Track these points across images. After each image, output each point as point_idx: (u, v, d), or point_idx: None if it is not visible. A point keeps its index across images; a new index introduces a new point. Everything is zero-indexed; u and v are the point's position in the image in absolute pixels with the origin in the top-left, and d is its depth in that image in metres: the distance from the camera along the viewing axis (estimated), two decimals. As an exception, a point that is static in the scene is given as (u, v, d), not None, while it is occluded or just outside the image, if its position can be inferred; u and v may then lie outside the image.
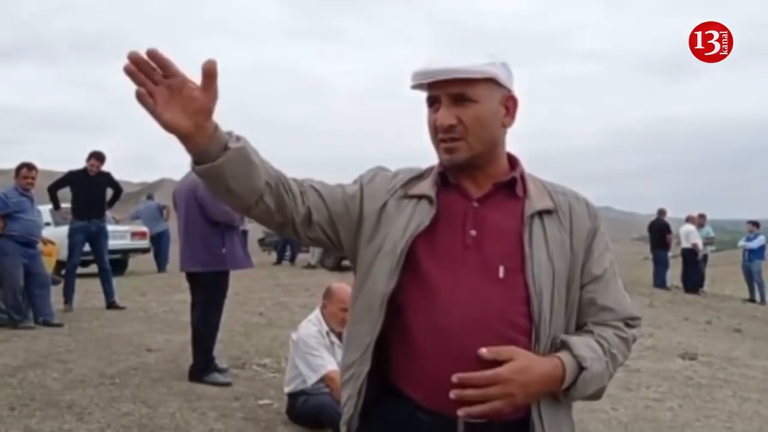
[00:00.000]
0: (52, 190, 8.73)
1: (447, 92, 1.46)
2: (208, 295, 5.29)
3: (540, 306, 1.44)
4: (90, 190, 8.45)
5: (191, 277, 5.38)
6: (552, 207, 1.53)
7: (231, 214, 5.27)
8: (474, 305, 1.42)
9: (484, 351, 1.36)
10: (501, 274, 1.45)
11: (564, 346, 1.45)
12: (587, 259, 1.54)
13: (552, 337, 1.46)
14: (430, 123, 1.50)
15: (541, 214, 1.51)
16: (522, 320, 1.44)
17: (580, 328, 1.53)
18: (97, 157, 8.59)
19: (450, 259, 1.47)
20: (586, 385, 1.44)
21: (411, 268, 1.47)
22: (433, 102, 1.49)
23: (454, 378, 1.36)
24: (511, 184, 1.53)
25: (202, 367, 5.19)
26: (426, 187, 1.54)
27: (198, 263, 5.21)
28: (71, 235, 8.43)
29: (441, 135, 1.48)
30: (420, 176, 1.60)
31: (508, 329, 1.42)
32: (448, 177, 1.54)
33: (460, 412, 1.37)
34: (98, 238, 8.54)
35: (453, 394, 1.36)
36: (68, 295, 8.34)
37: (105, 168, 8.69)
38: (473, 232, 1.48)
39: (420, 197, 1.53)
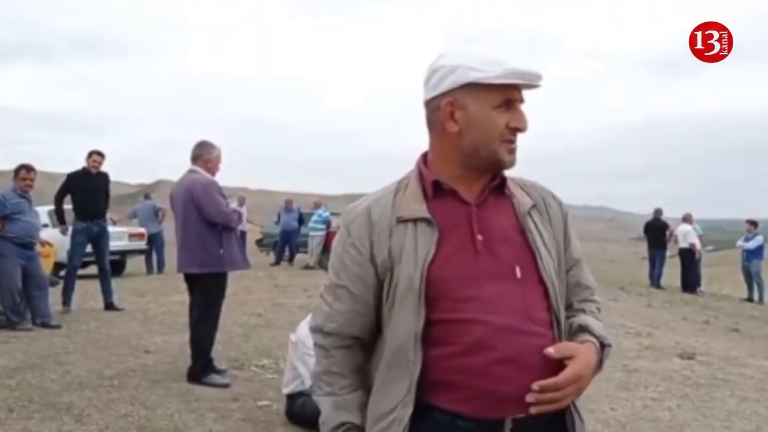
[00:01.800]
0: (58, 201, 8.66)
1: (521, 97, 1.50)
2: (206, 296, 5.28)
3: (556, 297, 1.50)
4: (91, 189, 8.45)
5: (189, 279, 5.37)
6: (533, 203, 1.57)
7: (227, 215, 5.27)
8: (504, 310, 1.43)
9: (551, 351, 1.41)
10: (518, 274, 1.47)
11: (582, 329, 1.53)
12: (567, 246, 1.62)
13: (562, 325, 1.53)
14: (498, 122, 1.47)
15: (529, 211, 1.54)
16: (544, 315, 1.48)
17: (567, 308, 1.60)
18: (99, 153, 8.61)
19: (467, 270, 1.46)
20: (604, 361, 1.54)
21: (433, 294, 1.45)
22: (503, 103, 1.47)
23: (535, 386, 1.38)
24: (500, 185, 1.55)
25: (201, 369, 5.18)
26: (416, 205, 1.51)
27: (195, 264, 5.20)
28: (74, 236, 8.43)
29: (511, 137, 1.49)
30: (397, 191, 1.56)
31: (536, 326, 1.46)
32: (441, 184, 1.52)
33: (533, 410, 1.40)
34: (100, 238, 8.56)
35: (531, 397, 1.39)
36: (67, 296, 8.33)
37: (104, 167, 8.68)
38: (480, 237, 1.48)
39: (416, 220, 1.49)
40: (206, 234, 5.16)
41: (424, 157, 1.59)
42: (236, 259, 5.35)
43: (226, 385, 5.12)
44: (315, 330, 1.60)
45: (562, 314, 1.52)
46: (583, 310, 1.60)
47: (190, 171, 5.39)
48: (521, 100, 1.50)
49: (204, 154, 5.40)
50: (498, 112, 1.47)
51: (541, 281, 1.49)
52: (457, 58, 1.49)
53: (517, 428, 1.44)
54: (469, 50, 1.51)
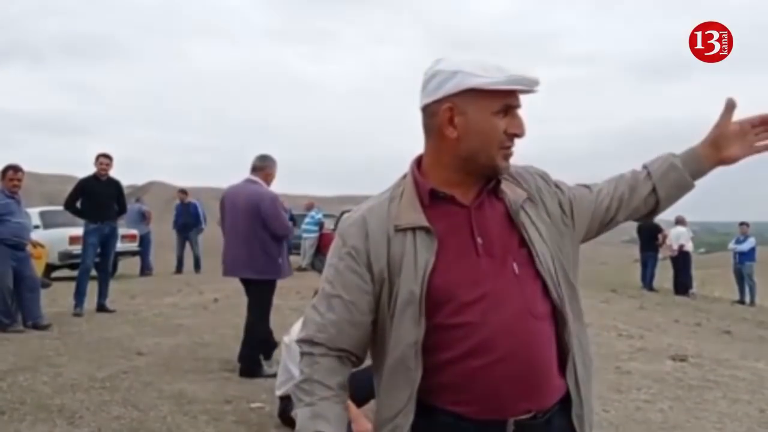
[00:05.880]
0: (71, 206, 8.51)
1: (519, 102, 1.49)
2: (262, 299, 5.71)
3: (556, 287, 1.50)
4: (100, 195, 8.41)
5: (244, 282, 5.80)
6: (525, 195, 1.55)
7: (290, 229, 5.90)
8: (505, 310, 1.44)
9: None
10: (516, 270, 1.47)
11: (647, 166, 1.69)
12: (580, 204, 1.63)
13: (570, 314, 1.51)
14: (498, 128, 1.46)
15: (523, 205, 1.53)
16: (545, 307, 1.49)
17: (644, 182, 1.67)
18: (105, 155, 8.50)
19: (470, 273, 1.46)
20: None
21: (436, 300, 1.44)
22: (502, 109, 1.46)
23: None
24: (495, 187, 1.54)
25: (254, 363, 5.56)
26: (412, 213, 1.49)
27: (256, 272, 5.58)
28: (85, 237, 8.42)
29: (509, 143, 1.49)
30: (392, 199, 1.54)
31: (537, 321, 1.46)
32: (437, 192, 1.50)
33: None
34: (110, 239, 8.58)
35: None
36: (80, 298, 8.31)
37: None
38: (480, 240, 1.48)
39: (414, 229, 1.47)
40: (270, 245, 5.57)
41: (418, 162, 1.57)
42: (286, 268, 5.84)
43: (274, 375, 5.23)
44: (304, 341, 1.54)
45: (567, 303, 1.51)
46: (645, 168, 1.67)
47: (250, 181, 5.72)
48: (519, 106, 1.49)
49: (267, 168, 5.81)
50: (497, 118, 1.46)
51: (539, 275, 1.48)
52: (456, 64, 1.47)
53: (519, 429, 1.44)
54: (467, 56, 1.50)
